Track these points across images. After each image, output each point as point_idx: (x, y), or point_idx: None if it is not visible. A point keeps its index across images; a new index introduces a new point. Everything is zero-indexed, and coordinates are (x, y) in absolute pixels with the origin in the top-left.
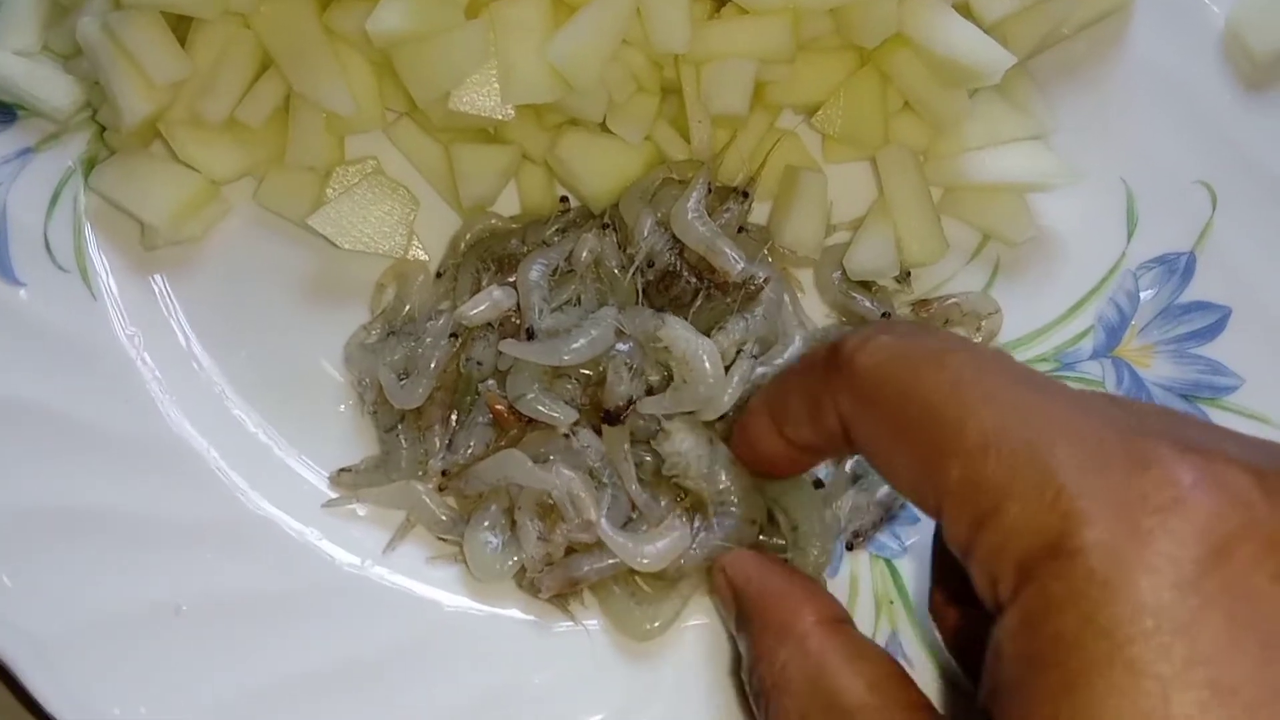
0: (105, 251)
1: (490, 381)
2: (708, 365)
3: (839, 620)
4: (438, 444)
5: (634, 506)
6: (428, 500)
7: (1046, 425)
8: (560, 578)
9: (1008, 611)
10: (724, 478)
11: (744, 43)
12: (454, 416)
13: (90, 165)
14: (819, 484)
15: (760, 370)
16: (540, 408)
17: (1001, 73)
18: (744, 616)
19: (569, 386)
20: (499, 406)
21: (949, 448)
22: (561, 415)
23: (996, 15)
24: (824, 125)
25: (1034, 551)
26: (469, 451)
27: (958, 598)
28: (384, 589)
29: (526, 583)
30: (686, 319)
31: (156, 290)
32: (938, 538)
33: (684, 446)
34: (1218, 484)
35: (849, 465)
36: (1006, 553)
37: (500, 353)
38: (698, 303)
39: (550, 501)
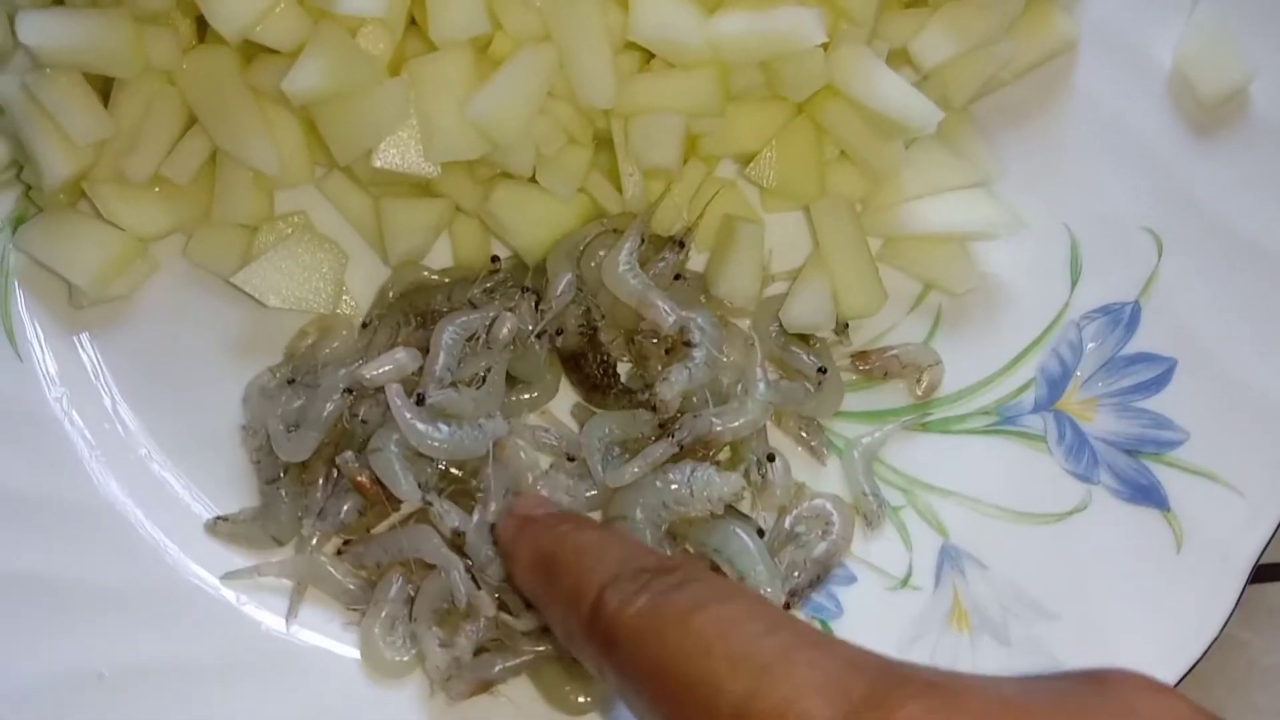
0: (33, 311)
1: (349, 453)
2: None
3: None
4: (319, 499)
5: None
6: (334, 572)
7: (794, 682)
8: (472, 681)
9: None
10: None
11: (671, 97)
12: (335, 474)
13: (18, 223)
14: (761, 533)
15: (733, 423)
16: (393, 468)
17: (933, 126)
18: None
19: (428, 470)
20: (360, 479)
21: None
22: (406, 488)
23: (934, 61)
24: (757, 178)
25: None
26: (340, 519)
27: None
28: (311, 652)
29: (439, 686)
30: (601, 401)
31: (84, 350)
32: None
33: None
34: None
35: (787, 521)
36: None
37: (387, 416)
38: (610, 379)
39: (446, 607)
